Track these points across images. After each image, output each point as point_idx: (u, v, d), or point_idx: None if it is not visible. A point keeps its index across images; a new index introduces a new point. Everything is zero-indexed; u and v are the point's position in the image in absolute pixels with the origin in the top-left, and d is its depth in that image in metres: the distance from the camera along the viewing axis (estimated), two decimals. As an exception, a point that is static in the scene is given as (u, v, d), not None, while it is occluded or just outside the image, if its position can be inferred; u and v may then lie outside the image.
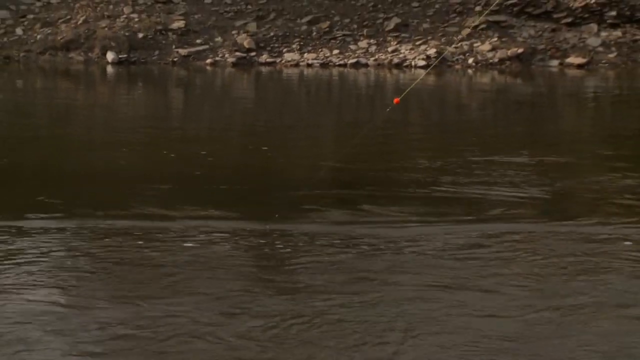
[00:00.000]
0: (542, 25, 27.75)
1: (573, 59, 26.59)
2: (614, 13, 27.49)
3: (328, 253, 6.75)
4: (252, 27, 28.11)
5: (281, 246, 6.96)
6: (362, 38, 27.85)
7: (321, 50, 27.44)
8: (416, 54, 26.64)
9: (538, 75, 24.95)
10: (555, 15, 27.78)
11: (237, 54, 27.11)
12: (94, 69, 26.05)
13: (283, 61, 27.03)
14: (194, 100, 19.99)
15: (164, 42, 27.64)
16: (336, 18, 28.45)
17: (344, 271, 6.31)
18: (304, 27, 28.19)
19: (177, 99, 20.54)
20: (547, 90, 22.12)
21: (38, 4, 29.17)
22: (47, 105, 18.48)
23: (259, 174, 10.05)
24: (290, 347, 5.03)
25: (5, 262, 6.47)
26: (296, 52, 27.39)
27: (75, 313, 5.51)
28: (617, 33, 27.41)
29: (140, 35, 27.55)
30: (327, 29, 28.10)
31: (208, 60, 26.96)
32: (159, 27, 27.82)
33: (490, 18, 27.38)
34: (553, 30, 27.62)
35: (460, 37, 27.15)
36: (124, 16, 28.30)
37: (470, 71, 25.80)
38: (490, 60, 26.53)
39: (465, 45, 27.11)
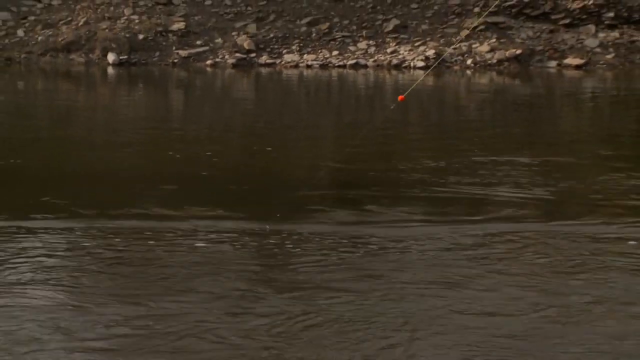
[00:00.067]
0: (540, 27, 27.86)
1: (571, 60, 26.69)
2: (611, 14, 27.59)
3: (334, 253, 6.79)
4: (252, 28, 28.20)
5: (290, 246, 6.99)
6: (361, 39, 27.95)
7: (321, 52, 27.53)
8: (415, 55, 26.74)
9: (536, 76, 25.01)
10: (553, 17, 27.88)
11: (237, 55, 27.20)
12: (94, 71, 26.09)
13: (283, 62, 27.12)
14: (196, 102, 20.00)
15: (164, 43, 27.72)
16: (335, 19, 28.55)
17: (350, 270, 6.35)
18: (304, 29, 28.29)
19: (179, 100, 20.55)
20: (546, 91, 22.18)
21: (39, 5, 29.23)
22: (49, 106, 18.46)
23: (265, 175, 10.11)
24: (296, 345, 5.06)
25: (14, 261, 6.51)
26: (296, 53, 27.49)
27: (84, 312, 5.53)
28: (615, 34, 27.52)
29: (141, 36, 27.64)
30: (326, 30, 28.20)
31: (208, 62, 27.05)
32: (160, 29, 27.90)
33: (489, 19, 27.50)
34: (551, 31, 27.72)
35: (458, 38, 27.26)
36: (125, 18, 28.38)
37: (468, 72, 25.88)
38: (489, 61, 26.63)
39: (464, 47, 27.22)
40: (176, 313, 5.48)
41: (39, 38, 27.95)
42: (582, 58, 26.68)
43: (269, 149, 11.93)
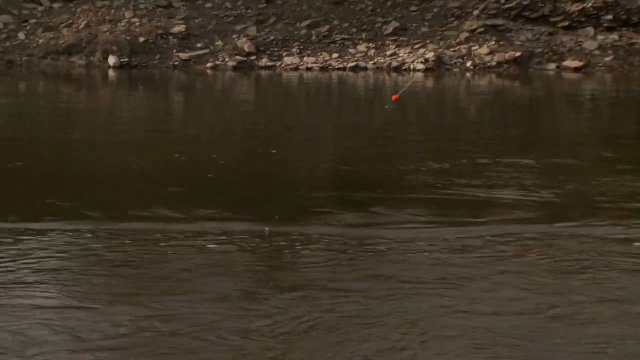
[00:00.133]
0: (540, 29, 27.96)
1: (570, 63, 26.79)
2: (610, 17, 27.69)
3: (341, 254, 6.83)
4: (253, 31, 28.27)
5: (297, 248, 7.03)
6: (361, 42, 28.03)
7: (321, 54, 27.61)
8: (415, 58, 26.83)
9: (535, 78, 25.09)
10: (552, 19, 27.98)
11: (238, 58, 27.27)
12: (95, 73, 26.10)
13: (283, 65, 27.20)
14: (197, 104, 20.01)
15: (165, 46, 27.78)
16: (335, 22, 28.63)
17: (356, 272, 6.38)
18: (304, 32, 28.36)
19: (180, 103, 20.55)
20: (546, 94, 22.26)
21: (40, 8, 29.27)
22: (51, 109, 18.44)
23: (271, 177, 10.16)
24: (301, 346, 5.08)
25: (23, 262, 6.55)
26: (296, 56, 27.56)
27: (92, 313, 5.57)
28: (614, 36, 27.62)
29: (142, 39, 27.69)
30: (326, 33, 28.27)
31: (209, 64, 27.12)
32: (160, 32, 27.96)
33: (488, 22, 27.65)
34: (550, 34, 27.82)
35: (458, 40, 27.36)
36: (126, 21, 28.43)
37: (468, 74, 25.97)
38: (489, 64, 26.72)
39: (463, 49, 27.32)
40: (183, 314, 5.52)
41: (40, 41, 27.99)
42: (581, 60, 26.78)
43: (274, 151, 11.97)
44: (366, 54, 27.54)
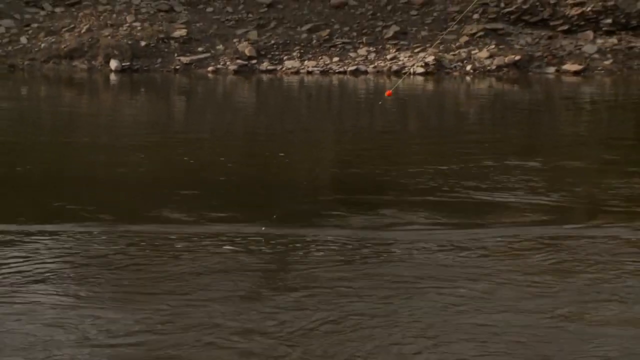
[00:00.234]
0: (539, 33, 28.06)
1: (569, 66, 26.87)
2: (609, 21, 27.79)
3: (350, 256, 6.88)
4: (253, 35, 28.34)
5: (307, 249, 7.08)
6: (361, 46, 28.10)
7: (321, 58, 27.69)
8: (415, 61, 26.92)
9: (535, 82, 25.14)
10: (551, 23, 28.08)
11: (239, 61, 27.32)
12: (97, 77, 26.09)
13: (284, 69, 27.26)
14: (200, 108, 20.00)
15: (166, 50, 27.84)
16: (336, 26, 28.71)
17: (365, 273, 6.43)
18: (304, 35, 28.44)
19: (183, 107, 20.58)
20: (545, 97, 22.34)
21: (42, 13, 29.29)
22: (54, 113, 18.45)
23: (280, 180, 10.24)
24: (307, 346, 5.13)
25: (34, 264, 6.58)
26: (296, 59, 27.63)
27: (100, 314, 5.61)
28: (613, 40, 27.72)
29: (143, 43, 27.74)
30: (327, 37, 28.35)
31: (210, 68, 27.16)
32: (162, 36, 28.00)
33: (488, 26, 27.76)
34: (549, 37, 27.92)
35: (457, 44, 27.46)
36: (127, 25, 28.47)
37: (468, 78, 26.05)
38: (488, 67, 26.80)
39: (463, 53, 27.42)
40: (189, 314, 5.56)
41: (42, 45, 28.00)
42: (580, 64, 26.87)
43: (282, 154, 12.03)
44: (366, 57, 27.62)
